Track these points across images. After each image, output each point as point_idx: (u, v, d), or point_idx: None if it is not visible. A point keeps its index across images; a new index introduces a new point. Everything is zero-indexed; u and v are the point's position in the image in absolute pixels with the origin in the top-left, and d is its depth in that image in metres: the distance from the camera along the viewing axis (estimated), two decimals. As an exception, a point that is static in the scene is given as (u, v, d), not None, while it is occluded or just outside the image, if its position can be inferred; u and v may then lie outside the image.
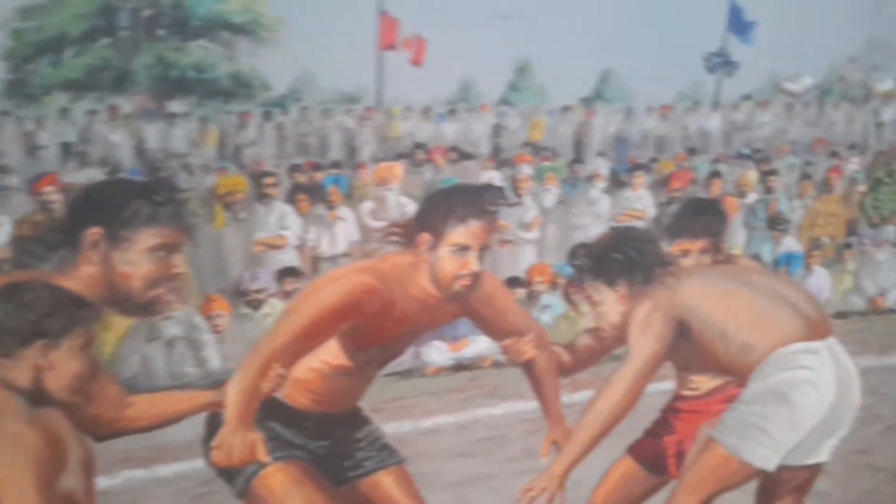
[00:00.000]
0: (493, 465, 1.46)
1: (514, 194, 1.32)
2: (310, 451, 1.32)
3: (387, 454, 1.37)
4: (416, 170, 1.17)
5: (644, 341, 1.41)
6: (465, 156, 1.17)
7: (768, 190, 1.40)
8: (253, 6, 1.00)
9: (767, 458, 1.46)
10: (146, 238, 1.03)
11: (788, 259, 1.52)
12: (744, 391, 1.47)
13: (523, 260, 1.37)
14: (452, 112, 1.14)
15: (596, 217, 1.32)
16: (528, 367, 1.41)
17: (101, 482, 1.24)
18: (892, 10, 1.26)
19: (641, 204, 1.34)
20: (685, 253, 1.47)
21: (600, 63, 1.14)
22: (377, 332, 1.28)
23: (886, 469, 1.70)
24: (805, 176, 1.41)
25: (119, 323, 1.20)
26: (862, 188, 1.49)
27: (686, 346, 1.45)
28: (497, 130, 1.19)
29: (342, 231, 1.23)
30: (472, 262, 1.25)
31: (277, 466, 1.27)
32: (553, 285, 1.42)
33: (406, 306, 1.27)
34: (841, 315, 1.62)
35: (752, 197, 1.41)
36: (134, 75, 1.01)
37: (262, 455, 1.18)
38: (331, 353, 1.28)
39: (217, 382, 1.23)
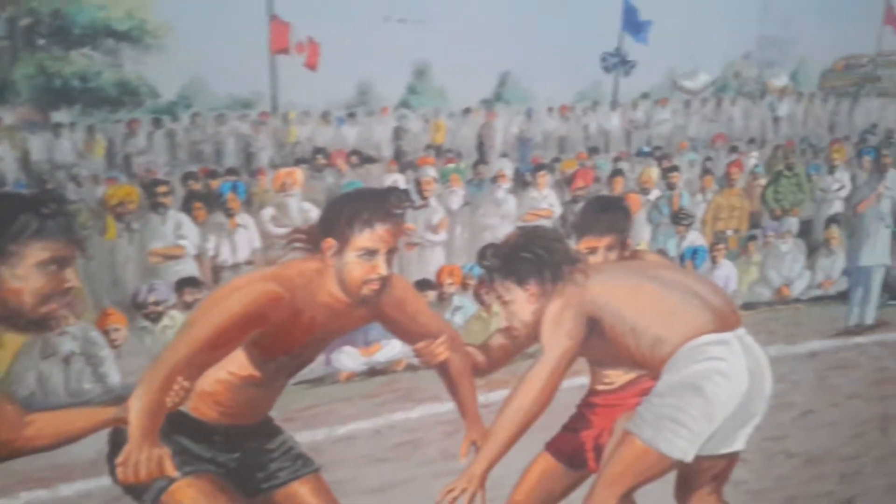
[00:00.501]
0: (412, 469, 1.45)
1: (420, 197, 1.31)
2: (220, 464, 1.30)
3: (301, 464, 1.35)
4: (318, 175, 1.16)
5: (557, 338, 1.43)
6: (367, 159, 1.17)
7: (670, 186, 1.44)
8: (137, 13, 0.98)
9: (684, 450, 1.48)
10: (35, 252, 1.00)
11: (694, 253, 1.56)
12: (658, 384, 1.49)
13: (432, 262, 1.37)
14: (352, 115, 1.14)
15: (503, 217, 1.33)
16: (443, 368, 1.41)
17: (1, 505, 1.20)
18: (781, 7, 1.33)
19: (547, 203, 1.35)
20: (592, 250, 1.49)
21: (498, 65, 1.16)
22: (285, 340, 1.26)
23: (800, 454, 1.77)
24: (706, 171, 1.46)
25: (12, 340, 1.15)
26: (762, 181, 1.54)
27: (598, 341, 1.48)
28: (398, 133, 1.19)
29: (243, 239, 1.20)
30: (380, 266, 1.24)
31: (187, 481, 1.24)
32: (464, 286, 1.43)
33: (314, 313, 1.26)
34: (748, 306, 1.68)
35: (654, 193, 1.44)
36: (15, 86, 0.98)
37: (170, 470, 1.15)
38: (237, 364, 1.26)
39: (119, 398, 1.19)
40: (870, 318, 1.82)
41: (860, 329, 1.85)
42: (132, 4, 0.99)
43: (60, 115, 1.02)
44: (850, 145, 1.61)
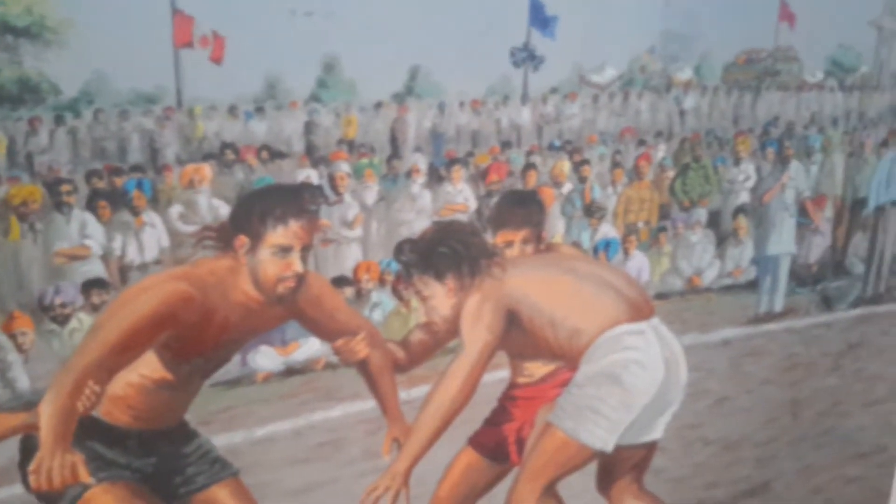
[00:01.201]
0: (334, 469, 1.44)
1: (334, 192, 1.31)
2: (136, 469, 1.28)
3: (219, 467, 1.35)
4: (227, 170, 1.14)
5: (476, 332, 1.45)
6: (277, 154, 1.15)
7: (582, 179, 1.47)
8: (36, 8, 0.94)
9: (604, 439, 1.52)
10: None
11: (607, 245, 1.59)
12: (576, 375, 1.52)
13: (349, 258, 1.36)
14: (260, 110, 1.11)
15: (418, 212, 1.34)
16: (363, 366, 1.42)
17: None
18: (683, 2, 1.36)
19: (462, 197, 1.37)
20: (509, 244, 1.52)
21: (408, 59, 1.16)
22: (198, 341, 1.25)
23: (717, 441, 1.81)
24: (616, 164, 1.50)
25: None
26: (671, 174, 1.59)
27: (517, 334, 1.51)
28: (309, 128, 1.17)
29: (150, 238, 1.17)
30: (295, 263, 1.25)
31: (102, 488, 1.23)
32: (381, 282, 1.42)
33: (227, 313, 1.25)
34: (661, 296, 1.72)
35: (567, 187, 1.47)
36: None
37: (84, 477, 1.14)
38: (149, 367, 1.25)
39: (28, 404, 1.18)
40: (779, 306, 1.88)
41: (770, 316, 1.89)
42: (31, 0, 0.97)
43: None
44: (754, 137, 1.68)
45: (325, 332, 1.39)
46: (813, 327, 1.98)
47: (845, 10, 1.69)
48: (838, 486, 1.98)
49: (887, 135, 1.91)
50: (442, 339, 1.52)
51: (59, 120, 1.09)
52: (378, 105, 1.28)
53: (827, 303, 1.96)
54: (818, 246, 1.91)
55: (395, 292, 1.41)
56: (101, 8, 1.02)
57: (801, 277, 1.91)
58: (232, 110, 1.18)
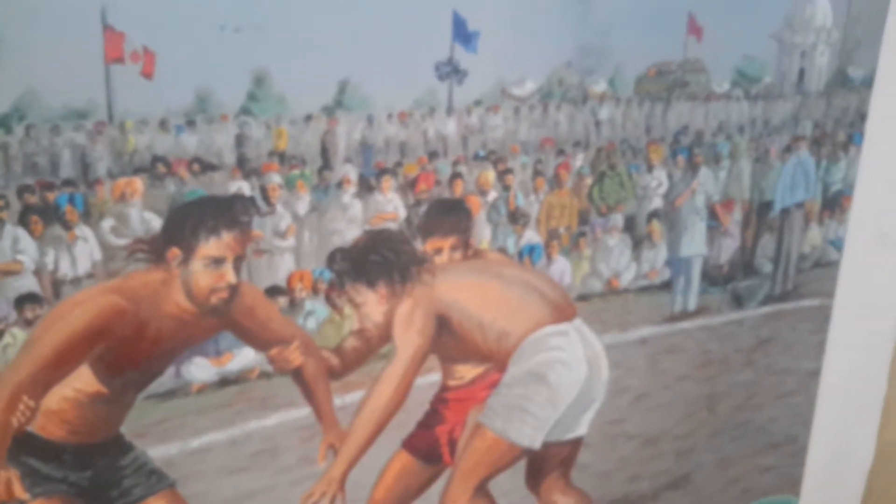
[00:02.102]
0: (271, 477, 1.46)
1: (266, 203, 1.33)
2: (72, 483, 1.30)
3: (156, 479, 1.36)
4: (158, 183, 1.13)
5: (408, 337, 1.51)
6: (209, 167, 1.14)
7: (506, 187, 1.52)
8: None
9: (532, 437, 1.60)
10: None
11: (531, 250, 1.65)
12: (505, 376, 1.60)
13: (282, 268, 1.38)
14: (191, 123, 1.10)
15: (350, 221, 1.36)
16: (298, 374, 1.45)
17: None
18: (597, 18, 1.42)
19: (392, 206, 1.40)
20: (438, 251, 1.57)
21: (338, 73, 1.17)
22: (132, 354, 1.27)
23: (639, 435, 1.87)
24: (537, 173, 1.55)
25: None
26: (588, 181, 1.65)
27: (448, 337, 1.57)
28: (240, 140, 1.16)
29: (83, 251, 1.16)
30: (228, 274, 1.27)
31: (38, 503, 1.24)
32: (315, 291, 1.45)
33: (161, 325, 1.27)
34: (583, 298, 1.78)
35: (492, 195, 1.52)
36: None
37: (20, 493, 1.18)
38: (83, 381, 1.26)
39: None
40: (692, 305, 1.96)
41: (684, 315, 1.98)
42: None
43: None
44: (666, 146, 1.76)
45: (258, 341, 1.41)
46: (725, 324, 2.05)
47: (749, 23, 1.78)
48: (754, 476, 2.09)
49: (790, 141, 2.01)
50: (375, 345, 1.56)
51: None
52: (308, 118, 1.30)
53: (738, 301, 2.04)
54: (728, 247, 1.99)
55: (329, 300, 1.43)
56: (31, 24, 1.02)
57: (712, 277, 1.99)
58: (163, 124, 1.19)
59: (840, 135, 2.05)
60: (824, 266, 2.15)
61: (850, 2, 1.89)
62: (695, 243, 1.87)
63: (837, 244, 2.14)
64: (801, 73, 1.97)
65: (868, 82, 1.94)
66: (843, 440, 2.07)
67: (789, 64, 1.93)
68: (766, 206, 2.00)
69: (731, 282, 2.00)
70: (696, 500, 2.02)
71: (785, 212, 2.05)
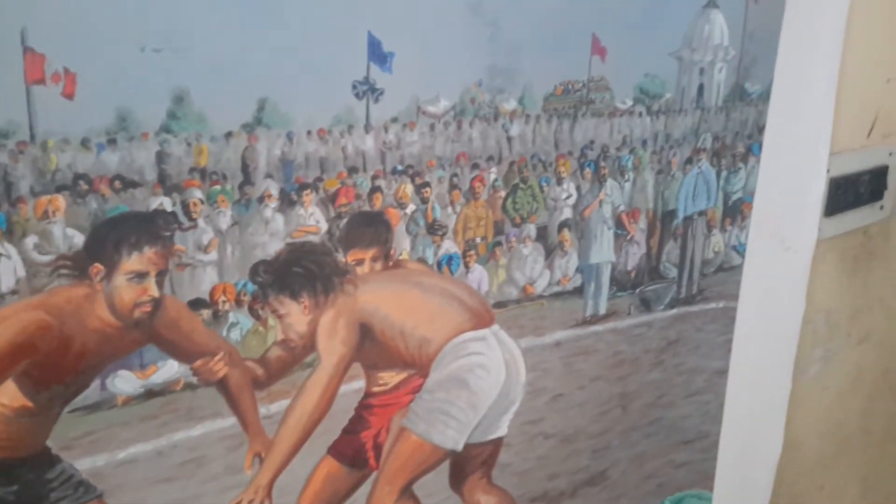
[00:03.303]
0: (198, 486, 1.45)
1: (188, 218, 1.32)
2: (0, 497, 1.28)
3: (83, 491, 1.35)
4: (81, 201, 1.11)
5: (332, 346, 1.55)
6: (130, 184, 1.13)
7: (424, 200, 1.55)
8: None
9: (455, 439, 1.66)
10: None
11: (449, 259, 1.68)
12: (427, 381, 1.66)
13: (204, 281, 1.37)
14: (113, 142, 1.08)
15: (272, 235, 1.36)
16: (222, 385, 1.46)
17: None
18: (505, 40, 1.47)
19: (313, 220, 1.40)
20: (359, 262, 1.60)
21: (256, 91, 1.18)
22: (57, 368, 1.27)
23: (556, 434, 1.91)
24: (453, 186, 1.57)
25: None
26: (502, 193, 1.69)
27: (371, 345, 1.61)
28: (161, 157, 1.14)
29: (6, 268, 1.14)
30: (151, 288, 1.29)
31: None
32: (238, 303, 1.45)
33: (85, 339, 1.28)
34: (500, 304, 1.80)
35: (410, 207, 1.54)
36: None
37: None
38: (8, 396, 1.26)
39: None
40: (602, 309, 1.99)
41: (595, 319, 2.01)
42: None
43: None
44: (573, 159, 1.81)
45: (183, 354, 1.42)
46: (635, 327, 2.09)
47: (649, 43, 1.80)
48: (668, 471, 2.15)
49: (691, 153, 2.07)
50: (299, 354, 1.57)
51: None
52: (228, 134, 1.31)
53: (646, 304, 2.08)
54: (634, 254, 2.03)
55: (252, 312, 1.43)
56: None
57: (621, 283, 2.02)
58: (84, 142, 1.19)
59: (739, 146, 2.12)
60: (727, 270, 2.21)
61: (745, 21, 1.94)
62: (603, 251, 1.92)
63: (740, 249, 2.21)
64: (701, 88, 2.01)
65: (764, 96, 2.02)
66: (752, 435, 2.12)
67: (689, 80, 1.95)
68: (669, 215, 2.06)
69: (638, 286, 2.05)
70: (612, 495, 2.07)
71: (688, 220, 2.10)
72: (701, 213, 2.17)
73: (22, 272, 1.18)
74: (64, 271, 1.25)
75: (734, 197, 2.21)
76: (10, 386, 1.24)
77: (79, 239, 1.24)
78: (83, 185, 1.24)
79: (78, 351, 1.27)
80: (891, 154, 2.07)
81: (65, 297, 1.25)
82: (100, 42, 1.15)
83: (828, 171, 1.93)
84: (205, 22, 1.24)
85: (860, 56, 1.91)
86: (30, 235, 1.19)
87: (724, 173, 2.16)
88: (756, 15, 1.98)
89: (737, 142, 2.14)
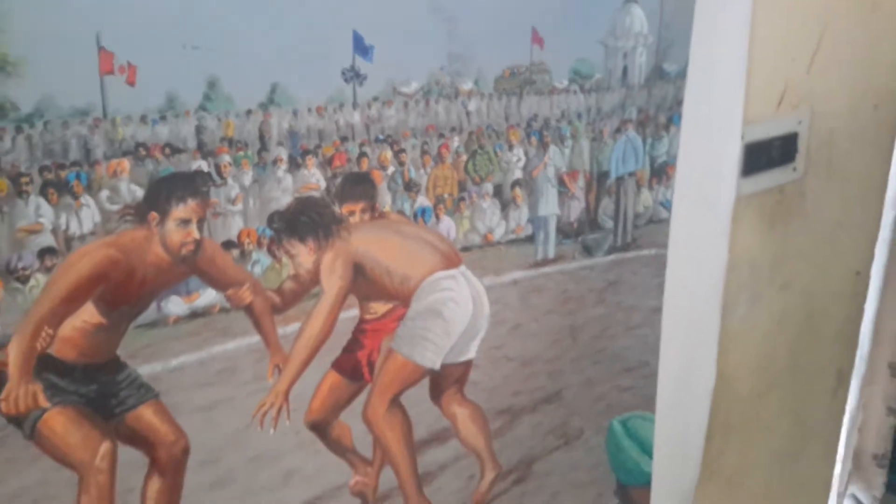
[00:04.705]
0: (231, 390, 1.63)
1: (219, 177, 1.53)
2: (82, 395, 1.50)
3: (144, 391, 1.56)
4: (140, 163, 1.30)
5: (332, 281, 1.77)
6: (177, 150, 1.32)
7: (401, 163, 1.72)
8: (1, 49, 1.06)
9: (433, 360, 1.89)
10: None
11: (423, 212, 1.92)
12: (408, 311, 1.88)
13: (233, 227, 1.55)
14: (163, 118, 1.24)
15: (283, 191, 1.57)
16: (249, 309, 1.67)
17: None
18: (461, 33, 1.65)
19: (315, 179, 1.60)
20: (351, 213, 1.80)
21: (270, 78, 1.38)
22: (124, 293, 1.49)
23: (516, 358, 2.07)
24: (424, 152, 1.74)
25: None
26: (464, 158, 1.86)
27: (363, 281, 1.84)
28: (199, 130, 1.31)
29: (86, 215, 1.35)
30: (194, 232, 1.52)
31: (57, 410, 1.45)
32: (259, 245, 1.69)
33: (145, 271, 1.50)
34: (465, 249, 2.01)
35: (391, 169, 1.72)
36: None
37: (43, 402, 1.39)
38: (89, 314, 1.48)
39: None
40: (551, 254, 2.16)
41: (545, 262, 2.16)
42: None
43: None
44: (521, 130, 2.00)
45: (218, 283, 1.63)
46: (579, 269, 2.23)
47: (580, 33, 2.00)
48: (616, 394, 2.29)
49: (619, 124, 2.21)
50: (307, 286, 1.77)
51: (18, 130, 1.30)
52: (248, 112, 1.55)
53: (588, 250, 2.25)
54: (575, 208, 2.21)
55: (270, 252, 1.69)
56: (46, 48, 1.31)
57: (565, 232, 2.20)
58: (143, 118, 1.42)
59: (661, 117, 2.26)
60: (657, 223, 2.34)
61: (661, 12, 2.11)
62: (549, 205, 2.14)
63: (666, 205, 2.34)
64: (625, 70, 2.12)
65: (682, 74, 2.12)
66: (687, 365, 2.32)
67: (615, 63, 2.10)
68: (603, 176, 2.24)
69: (580, 235, 2.22)
70: (568, 412, 2.23)
71: (619, 179, 2.28)
72: (630, 174, 2.33)
73: (98, 218, 1.45)
74: (128, 218, 1.48)
75: (659, 160, 2.38)
76: (90, 307, 1.47)
77: (139, 193, 1.47)
78: (142, 152, 1.51)
79: (140, 279, 1.49)
80: (800, 122, 2.20)
81: (129, 238, 1.48)
82: (153, 42, 1.42)
83: (742, 137, 2.09)
84: (230, 26, 1.45)
85: (767, 38, 2.05)
86: (103, 190, 1.46)
87: (649, 140, 2.33)
88: (670, 7, 2.15)
89: (659, 113, 2.29)
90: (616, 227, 2.40)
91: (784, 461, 2.79)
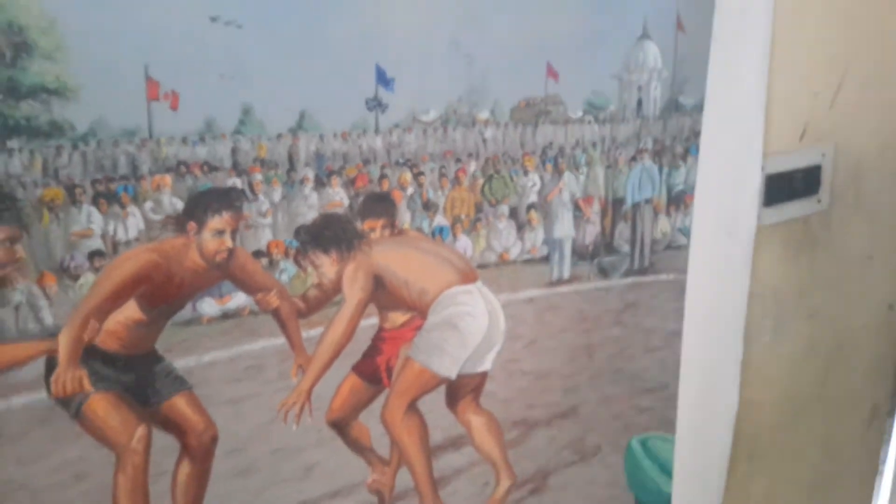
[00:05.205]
0: (258, 387, 1.70)
1: (252, 193, 1.64)
2: (122, 383, 1.60)
3: (179, 383, 1.66)
4: (181, 179, 1.42)
5: (353, 291, 1.84)
6: (214, 168, 1.44)
7: (420, 185, 1.82)
8: (61, 77, 1.20)
9: (449, 369, 1.92)
10: None
11: (440, 230, 2.01)
12: (426, 322, 1.93)
13: (263, 238, 1.78)
14: (202, 140, 1.36)
15: (309, 207, 1.67)
16: (276, 313, 1.76)
17: (-33, 413, 1.25)
18: (478, 67, 1.73)
19: (339, 197, 1.70)
20: (373, 229, 1.87)
21: (298, 106, 1.49)
22: (163, 294, 1.59)
23: (532, 372, 2.08)
24: (442, 175, 1.84)
25: None
26: (481, 181, 1.94)
27: (382, 292, 1.89)
28: (234, 152, 1.43)
29: (132, 223, 1.49)
30: (228, 241, 1.62)
31: (99, 395, 1.55)
32: (286, 255, 1.79)
33: (183, 274, 1.60)
34: (482, 266, 2.07)
35: (410, 190, 1.81)
36: None
37: (88, 387, 1.49)
38: (131, 310, 1.59)
39: (52, 335, 1.49)
40: (566, 274, 2.21)
41: (560, 281, 2.20)
42: (59, 71, 1.27)
43: (13, 143, 1.27)
44: (537, 157, 2.08)
45: (248, 288, 1.72)
46: (595, 290, 2.25)
47: (595, 67, 2.03)
48: (633, 414, 2.23)
49: (634, 153, 2.25)
50: (330, 295, 1.85)
51: (74, 147, 1.47)
52: (279, 136, 1.68)
53: (603, 272, 2.27)
54: (591, 231, 2.25)
55: (296, 262, 1.79)
56: (101, 77, 1.48)
57: (580, 254, 2.23)
58: (184, 140, 1.57)
59: (678, 148, 2.24)
60: (675, 248, 2.32)
61: (675, 48, 2.12)
62: (564, 227, 2.18)
63: (685, 231, 2.31)
64: (640, 102, 2.13)
65: (698, 107, 2.02)
66: (709, 389, 2.17)
67: (629, 96, 2.11)
68: (619, 202, 2.26)
69: (596, 257, 2.23)
70: (584, 428, 2.21)
71: (636, 206, 2.28)
72: (647, 201, 2.33)
73: (142, 226, 1.59)
74: (169, 227, 1.59)
75: (677, 189, 2.37)
76: (132, 304, 1.58)
77: (179, 205, 1.60)
78: (183, 169, 1.65)
79: (177, 282, 1.59)
80: (823, 155, 2.12)
81: (170, 244, 1.59)
82: (193, 73, 1.52)
83: (763, 168, 2.01)
84: (263, 60, 1.55)
85: (787, 73, 2.00)
86: (148, 201, 1.60)
87: (665, 169, 2.32)
88: (684, 43, 2.15)
89: (676, 144, 2.28)
90: (633, 252, 2.41)
91: (815, 493, 2.43)
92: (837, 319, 2.26)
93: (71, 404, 1.54)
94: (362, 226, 1.86)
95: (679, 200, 2.40)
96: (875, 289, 2.38)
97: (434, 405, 2.00)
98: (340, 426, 1.93)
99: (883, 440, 2.78)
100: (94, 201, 1.48)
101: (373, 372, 1.96)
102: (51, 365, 1.49)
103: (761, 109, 1.95)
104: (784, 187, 2.11)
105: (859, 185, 2.25)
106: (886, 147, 2.33)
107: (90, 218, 1.49)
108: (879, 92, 2.27)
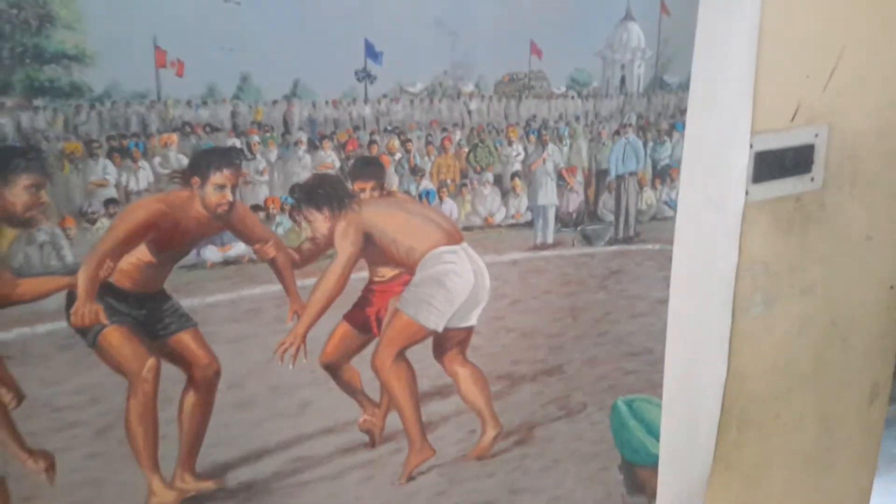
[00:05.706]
0: (257, 328, 1.82)
1: (250, 153, 1.83)
2: (134, 317, 1.75)
3: (185, 320, 1.79)
4: (186, 138, 1.54)
5: (344, 245, 1.98)
6: (215, 129, 1.54)
7: (407, 151, 1.92)
8: (80, 44, 1.33)
9: (436, 322, 2.07)
10: (23, 180, 1.50)
11: (427, 194, 2.09)
12: (414, 278, 2.08)
13: (261, 194, 1.88)
14: (205, 103, 1.46)
15: (303, 168, 1.78)
16: (272, 263, 1.89)
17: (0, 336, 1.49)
18: (463, 44, 1.79)
19: (330, 159, 1.81)
20: (363, 190, 1.99)
21: (292, 75, 1.58)
22: (170, 239, 1.73)
23: (516, 329, 2.16)
24: (428, 143, 1.93)
25: (9, 232, 1.54)
26: (466, 149, 2.03)
27: (372, 248, 2.04)
28: (234, 115, 1.52)
29: (142, 176, 1.62)
30: (228, 195, 1.76)
31: (113, 328, 1.70)
32: (282, 210, 1.90)
33: (188, 223, 1.75)
34: (466, 229, 2.17)
35: (398, 156, 1.91)
36: (13, 85, 1.29)
37: (103, 319, 1.64)
38: (142, 253, 1.73)
39: (72, 271, 1.62)
40: (550, 239, 2.27)
41: (544, 246, 2.27)
42: (78, 40, 1.42)
43: (38, 102, 1.41)
44: (521, 128, 2.16)
45: (247, 239, 1.85)
46: (579, 256, 2.29)
47: (578, 45, 2.10)
48: (619, 376, 2.30)
49: (618, 127, 2.30)
50: (322, 248, 1.98)
51: (92, 107, 1.62)
52: (275, 102, 1.74)
53: (587, 240, 2.32)
54: (574, 200, 2.31)
55: (291, 217, 1.91)
56: (116, 45, 1.64)
57: (564, 221, 2.29)
58: (188, 103, 1.70)
59: (663, 124, 2.30)
60: (661, 220, 2.36)
61: (659, 30, 2.18)
62: (548, 196, 2.26)
63: (671, 204, 2.36)
64: (623, 79, 2.19)
65: (684, 86, 2.21)
66: (695, 359, 2.34)
67: (612, 73, 2.17)
68: (602, 173, 2.32)
69: (580, 225, 2.31)
70: (569, 386, 2.29)
71: (620, 177, 2.34)
72: (632, 174, 2.39)
73: (151, 178, 1.75)
74: (175, 180, 1.73)
75: (662, 163, 2.42)
76: (143, 247, 1.72)
77: (185, 161, 1.73)
78: (187, 129, 1.77)
79: (183, 230, 1.74)
80: (816, 135, 2.17)
81: (176, 196, 1.73)
82: (198, 44, 1.59)
83: (751, 146, 2.09)
84: (261, 33, 1.68)
85: (777, 55, 2.06)
86: (156, 157, 1.74)
87: (650, 143, 2.38)
88: (668, 25, 2.21)
89: (660, 120, 2.34)
90: (617, 221, 2.47)
91: (809, 465, 2.56)
92: (833, 297, 2.29)
93: (88, 334, 1.68)
94: (353, 187, 1.99)
95: (664, 174, 2.45)
96: (875, 269, 2.37)
97: (422, 356, 2.16)
98: (333, 369, 2.07)
99: (885, 421, 2.79)
100: (109, 155, 1.61)
101: (363, 321, 2.10)
102: (71, 298, 1.63)
103: (749, 87, 2.02)
104: (774, 165, 2.19)
105: (856, 166, 2.29)
106: (883, 129, 2.42)
107: (105, 170, 1.65)
108: (877, 74, 2.34)
